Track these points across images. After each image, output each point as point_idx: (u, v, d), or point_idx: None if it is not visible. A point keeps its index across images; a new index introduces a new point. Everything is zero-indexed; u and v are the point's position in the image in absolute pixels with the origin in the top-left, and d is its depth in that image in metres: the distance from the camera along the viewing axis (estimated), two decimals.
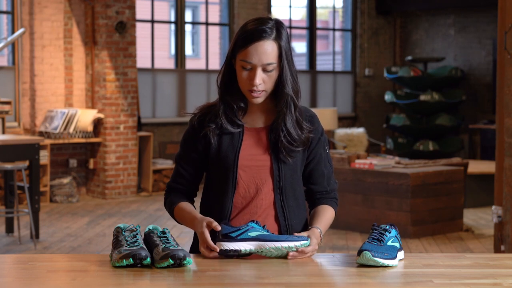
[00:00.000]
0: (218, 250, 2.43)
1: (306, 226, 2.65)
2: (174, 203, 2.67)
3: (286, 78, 2.55)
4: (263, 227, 2.46)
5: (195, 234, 2.68)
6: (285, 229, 2.59)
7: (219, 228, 2.45)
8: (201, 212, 2.67)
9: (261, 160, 2.59)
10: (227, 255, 2.43)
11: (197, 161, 2.64)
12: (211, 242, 2.44)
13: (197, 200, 2.70)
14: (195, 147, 2.63)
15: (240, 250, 2.41)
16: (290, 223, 2.60)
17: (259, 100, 2.56)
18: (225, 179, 2.58)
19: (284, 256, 2.44)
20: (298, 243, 2.42)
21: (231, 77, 2.60)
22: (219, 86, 2.62)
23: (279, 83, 2.56)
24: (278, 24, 2.55)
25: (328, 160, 2.69)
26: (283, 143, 2.57)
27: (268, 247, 2.41)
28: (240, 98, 2.59)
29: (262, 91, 2.54)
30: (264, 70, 2.52)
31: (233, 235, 2.42)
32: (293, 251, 2.42)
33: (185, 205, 2.65)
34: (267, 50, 2.50)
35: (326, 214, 2.63)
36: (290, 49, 2.60)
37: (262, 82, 2.53)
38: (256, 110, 2.63)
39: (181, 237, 7.20)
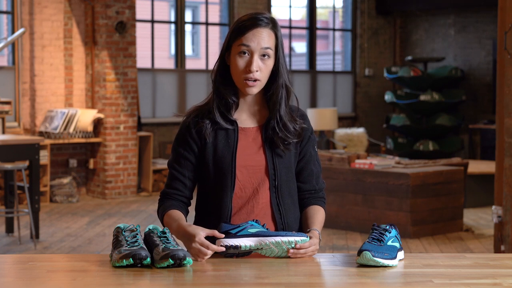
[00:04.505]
0: (221, 246, 2.39)
1: (301, 223, 2.66)
2: (165, 209, 2.60)
3: (282, 68, 2.58)
4: (263, 225, 2.47)
5: None
6: (282, 227, 2.60)
7: (221, 236, 2.43)
8: (198, 215, 2.66)
9: (256, 160, 2.60)
10: (227, 253, 2.42)
11: (192, 163, 2.61)
12: (212, 245, 2.39)
13: (193, 204, 2.70)
14: (190, 148, 2.60)
15: (240, 246, 2.40)
16: (286, 221, 2.61)
17: (254, 90, 2.56)
18: (223, 181, 2.57)
19: (284, 255, 2.44)
20: (298, 238, 2.42)
21: (225, 72, 2.60)
22: (213, 80, 2.62)
23: (275, 74, 2.58)
24: (273, 18, 2.61)
25: (317, 159, 2.71)
26: (278, 136, 2.58)
27: (268, 242, 2.41)
28: (233, 93, 2.60)
29: (258, 80, 2.54)
30: (261, 57, 2.54)
31: (233, 232, 2.42)
32: (292, 247, 2.42)
33: (175, 213, 2.57)
34: (265, 36, 2.54)
35: (320, 216, 2.65)
36: (283, 43, 2.62)
37: (259, 70, 2.53)
38: (249, 108, 2.63)
39: None
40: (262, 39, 2.53)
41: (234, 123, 2.60)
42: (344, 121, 12.87)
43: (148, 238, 2.44)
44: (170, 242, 2.37)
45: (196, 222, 2.63)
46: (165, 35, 17.47)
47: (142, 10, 11.27)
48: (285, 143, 2.59)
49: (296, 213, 2.65)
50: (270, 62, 2.56)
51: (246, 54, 2.53)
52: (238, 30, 2.55)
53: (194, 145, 2.60)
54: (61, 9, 9.76)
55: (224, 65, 2.60)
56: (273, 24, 2.57)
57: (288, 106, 2.61)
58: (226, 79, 2.59)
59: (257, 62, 2.53)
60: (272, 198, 2.60)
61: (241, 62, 2.54)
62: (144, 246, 2.35)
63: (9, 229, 7.52)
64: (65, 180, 9.58)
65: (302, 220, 2.66)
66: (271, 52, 2.55)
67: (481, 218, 8.59)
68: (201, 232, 2.41)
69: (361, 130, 11.72)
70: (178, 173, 2.62)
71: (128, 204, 9.51)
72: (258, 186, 2.59)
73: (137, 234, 2.41)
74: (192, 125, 2.60)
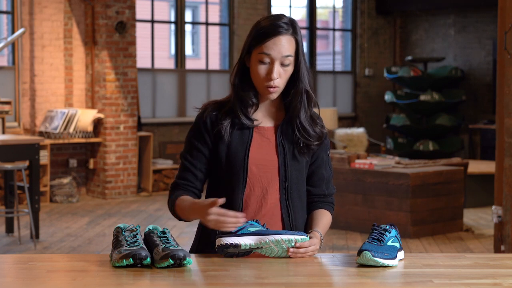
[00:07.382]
0: (242, 217, 2.41)
1: (306, 226, 2.66)
2: (176, 198, 2.60)
3: (303, 73, 2.58)
4: (263, 225, 2.46)
5: (196, 233, 2.68)
6: (290, 229, 2.59)
7: (221, 201, 2.42)
8: None
9: (268, 160, 2.60)
10: (227, 252, 2.42)
11: (205, 156, 2.61)
12: (227, 211, 2.40)
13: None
14: (204, 140, 2.60)
15: (240, 245, 2.40)
16: (294, 223, 2.61)
17: (275, 95, 2.57)
18: (235, 177, 2.57)
19: (284, 255, 2.44)
20: (298, 237, 2.42)
21: (245, 75, 2.60)
22: (233, 83, 2.61)
23: (296, 79, 2.58)
24: (293, 21, 2.59)
25: (329, 164, 2.70)
26: (299, 140, 2.59)
27: (268, 240, 2.41)
28: (253, 94, 2.60)
29: (277, 87, 2.55)
30: (282, 65, 2.54)
31: (233, 230, 2.42)
32: (292, 246, 2.42)
33: (187, 197, 2.58)
34: (285, 43, 2.54)
35: (324, 219, 2.64)
36: (303, 46, 2.62)
37: (279, 77, 2.54)
38: (266, 109, 2.64)
39: (181, 237, 7.20)
40: (282, 47, 2.53)
41: (252, 123, 2.60)
42: (344, 121, 12.87)
43: (148, 238, 2.43)
44: (170, 242, 2.37)
45: None
46: (165, 35, 17.47)
47: (142, 10, 11.27)
48: (305, 148, 2.60)
49: (304, 216, 2.65)
50: (290, 68, 2.57)
51: (267, 62, 2.54)
52: (258, 37, 2.54)
53: (208, 139, 2.60)
54: (61, 9, 9.76)
55: (244, 68, 2.60)
56: (293, 29, 2.56)
57: (310, 111, 2.62)
58: (245, 82, 2.60)
59: (277, 70, 2.54)
60: (282, 199, 2.60)
61: (262, 69, 2.54)
62: (144, 246, 2.35)
63: (9, 229, 7.52)
64: (65, 180, 9.58)
65: (307, 222, 2.65)
66: (292, 59, 2.55)
67: (481, 218, 8.59)
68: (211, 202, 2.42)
69: (361, 130, 11.72)
70: (190, 164, 2.62)
71: (128, 204, 9.51)
72: (268, 186, 2.59)
73: (137, 234, 2.40)
74: (209, 119, 2.60)
